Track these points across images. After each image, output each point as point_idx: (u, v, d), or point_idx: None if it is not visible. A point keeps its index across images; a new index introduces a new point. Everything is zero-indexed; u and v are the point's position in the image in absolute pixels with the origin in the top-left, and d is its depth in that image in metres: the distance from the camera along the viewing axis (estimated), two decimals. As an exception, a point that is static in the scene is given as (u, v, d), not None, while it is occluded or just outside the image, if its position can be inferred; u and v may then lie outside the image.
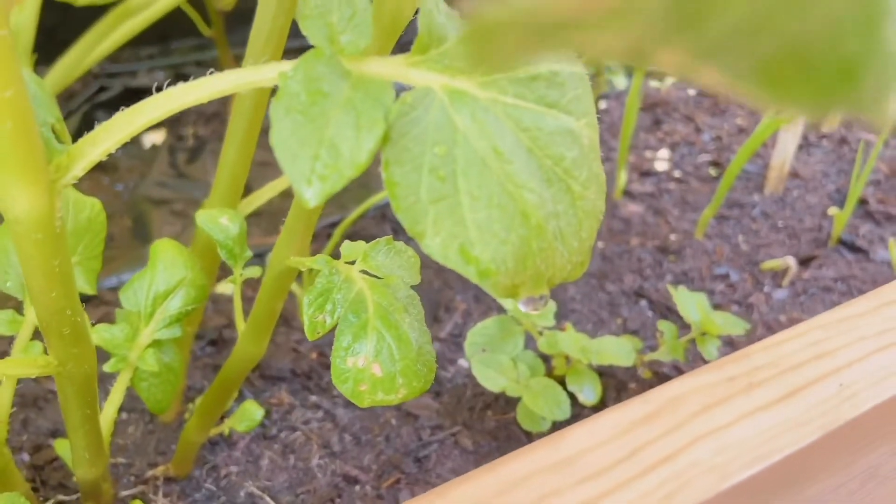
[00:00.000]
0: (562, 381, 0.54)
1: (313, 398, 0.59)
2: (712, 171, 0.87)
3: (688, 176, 0.86)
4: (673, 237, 0.76)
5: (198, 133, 0.93)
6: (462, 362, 0.63)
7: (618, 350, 0.53)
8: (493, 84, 0.25)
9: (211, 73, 0.25)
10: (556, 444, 0.25)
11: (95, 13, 0.80)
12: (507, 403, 0.58)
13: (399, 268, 0.35)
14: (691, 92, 1.01)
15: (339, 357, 0.31)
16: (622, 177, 0.81)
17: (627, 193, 0.83)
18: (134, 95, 1.05)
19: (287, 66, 0.24)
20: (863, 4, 0.08)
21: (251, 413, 0.51)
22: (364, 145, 0.23)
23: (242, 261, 0.44)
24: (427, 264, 0.73)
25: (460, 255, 0.23)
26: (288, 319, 0.65)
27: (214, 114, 0.96)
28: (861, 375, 0.28)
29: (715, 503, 0.24)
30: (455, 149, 0.24)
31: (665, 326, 0.55)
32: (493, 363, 0.53)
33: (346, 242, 0.36)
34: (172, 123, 0.92)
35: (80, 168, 0.26)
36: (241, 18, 1.03)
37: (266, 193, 0.50)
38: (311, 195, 0.22)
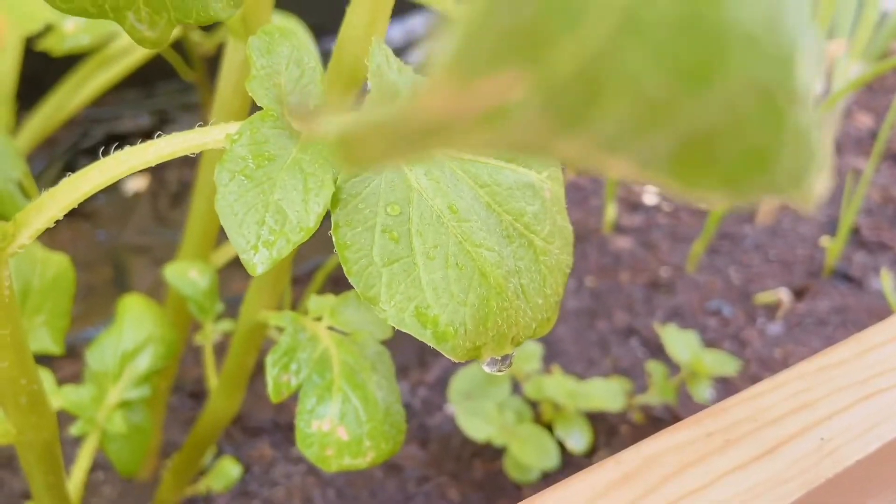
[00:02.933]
0: (550, 427, 0.52)
1: (295, 451, 0.57)
2: (703, 204, 0.86)
3: (677, 209, 0.86)
4: (663, 272, 0.75)
5: (182, 178, 0.92)
6: (449, 409, 0.61)
7: (607, 394, 0.52)
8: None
9: (200, 125, 0.25)
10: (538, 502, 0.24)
11: (78, 60, 0.80)
12: (495, 451, 0.56)
13: (369, 322, 0.34)
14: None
15: (304, 421, 0.30)
16: (611, 211, 0.81)
17: (617, 228, 0.82)
18: (117, 140, 1.05)
19: (234, 127, 0.23)
20: (764, 93, 0.07)
21: (228, 471, 0.49)
22: (312, 208, 0.22)
23: (213, 315, 0.43)
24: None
25: (416, 319, 0.22)
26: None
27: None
28: (843, 428, 0.27)
29: (693, 574, 0.23)
30: (409, 207, 0.23)
31: (654, 367, 0.54)
32: (478, 411, 0.52)
33: (314, 297, 0.35)
34: (156, 169, 0.92)
35: (27, 236, 0.25)
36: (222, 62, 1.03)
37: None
38: (258, 261, 0.22)
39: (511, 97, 0.07)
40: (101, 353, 0.40)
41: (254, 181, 0.22)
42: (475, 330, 0.23)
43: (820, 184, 0.09)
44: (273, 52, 0.24)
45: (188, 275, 0.42)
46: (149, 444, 0.42)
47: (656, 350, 0.66)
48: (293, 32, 0.24)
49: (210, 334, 0.43)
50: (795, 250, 0.79)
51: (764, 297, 0.71)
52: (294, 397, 0.61)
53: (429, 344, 0.23)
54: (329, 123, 0.07)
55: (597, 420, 0.56)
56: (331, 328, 0.33)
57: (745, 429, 0.27)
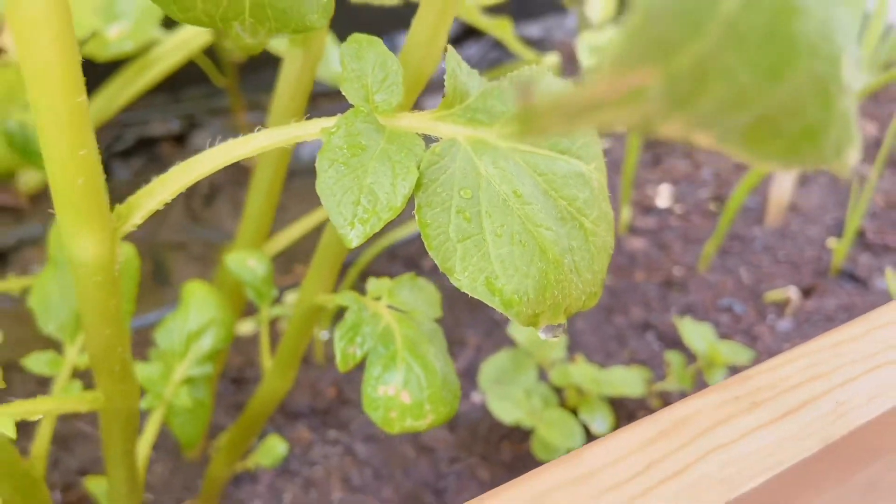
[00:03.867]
0: (574, 412, 0.55)
1: (332, 434, 0.61)
2: (713, 206, 0.90)
3: (689, 211, 0.89)
4: (677, 271, 0.79)
5: (213, 181, 0.96)
6: (476, 396, 0.65)
7: (628, 380, 0.55)
8: (512, 134, 0.27)
9: (259, 129, 0.28)
10: (576, 460, 0.27)
11: (110, 67, 0.84)
12: (521, 435, 0.60)
13: (422, 303, 0.37)
14: (689, 130, 1.04)
15: (371, 386, 0.33)
16: (625, 213, 0.84)
17: (631, 229, 0.86)
18: (148, 144, 1.08)
19: (329, 122, 0.26)
20: (820, 84, 0.10)
21: (275, 448, 0.53)
22: (399, 191, 0.25)
23: (269, 300, 0.46)
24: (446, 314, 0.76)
25: (486, 288, 0.26)
26: (306, 357, 0.67)
27: (229, 160, 0.99)
28: (854, 394, 0.30)
29: (726, 512, 0.26)
30: (479, 192, 0.26)
31: (672, 357, 0.57)
32: (507, 396, 0.55)
33: (372, 279, 0.39)
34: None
35: (139, 217, 0.29)
36: (251, 68, 1.07)
37: (288, 236, 0.52)
38: (354, 236, 0.25)
39: (646, 85, 0.10)
40: (169, 334, 0.44)
41: (349, 168, 0.26)
42: (535, 299, 0.27)
43: (853, 155, 0.12)
44: (361, 58, 0.27)
45: (247, 263, 0.45)
46: (208, 418, 0.46)
47: (671, 343, 0.69)
48: (378, 41, 0.28)
49: (266, 318, 0.46)
50: (803, 251, 0.82)
51: (773, 295, 0.75)
52: (327, 384, 0.64)
53: (497, 309, 0.26)
54: (527, 101, 0.11)
55: (618, 405, 0.59)
56: (390, 307, 0.37)
57: (767, 394, 0.30)
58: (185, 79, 1.10)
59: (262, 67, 1.16)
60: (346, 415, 0.62)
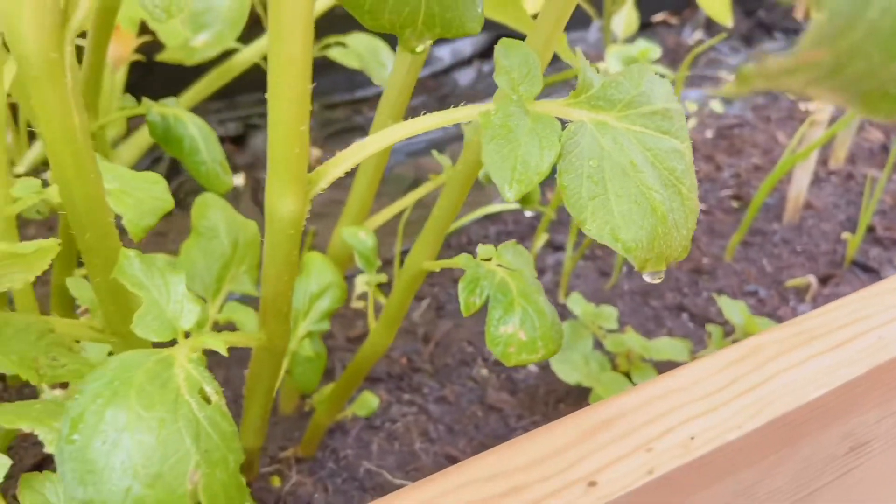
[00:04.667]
0: (627, 375, 0.63)
1: (406, 396, 0.68)
2: (734, 204, 0.97)
3: (712, 208, 0.97)
4: (705, 260, 0.86)
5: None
6: (531, 367, 0.72)
7: (674, 348, 0.62)
8: (626, 117, 0.35)
9: (424, 113, 0.35)
10: (677, 374, 0.34)
11: (176, 71, 0.91)
12: (576, 398, 0.67)
13: (523, 264, 0.45)
14: (709, 134, 1.12)
15: (493, 326, 0.40)
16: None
17: (661, 223, 0.93)
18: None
19: (488, 107, 0.34)
20: None
21: (369, 401, 0.60)
22: (546, 159, 0.33)
23: (375, 267, 0.54)
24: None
25: (611, 236, 0.33)
26: (355, 342, 0.74)
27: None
28: (893, 330, 0.37)
29: (794, 414, 0.34)
30: (603, 162, 0.34)
31: (712, 328, 0.64)
32: (567, 360, 0.62)
33: (480, 245, 0.46)
34: (249, 169, 1.03)
35: (325, 183, 0.36)
36: (316, 71, 1.15)
37: (386, 215, 0.60)
38: (511, 194, 0.32)
39: (820, 59, 0.17)
40: (295, 295, 0.51)
41: (506, 141, 0.33)
42: (647, 247, 0.34)
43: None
44: (509, 57, 0.35)
45: (359, 235, 0.52)
46: (323, 368, 0.53)
47: (704, 323, 0.76)
48: (522, 44, 0.35)
49: (374, 282, 0.53)
50: (819, 245, 0.90)
51: (794, 282, 0.82)
52: (399, 354, 0.71)
53: (620, 253, 0.33)
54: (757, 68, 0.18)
55: (664, 369, 0.67)
56: (499, 266, 0.44)
57: (821, 331, 0.38)
58: (239, 86, 1.18)
59: (317, 74, 1.24)
60: (417, 380, 0.69)
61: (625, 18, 1.26)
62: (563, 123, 0.35)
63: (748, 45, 1.48)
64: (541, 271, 0.84)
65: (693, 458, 0.30)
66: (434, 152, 0.62)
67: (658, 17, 1.57)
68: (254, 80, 1.02)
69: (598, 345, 0.67)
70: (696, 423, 0.32)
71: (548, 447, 0.31)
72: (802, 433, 0.35)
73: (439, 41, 1.47)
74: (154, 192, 0.45)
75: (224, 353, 0.36)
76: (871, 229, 0.91)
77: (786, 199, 0.94)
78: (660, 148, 0.35)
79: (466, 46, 1.44)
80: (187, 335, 0.36)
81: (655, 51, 0.98)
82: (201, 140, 0.54)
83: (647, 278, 0.36)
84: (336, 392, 0.56)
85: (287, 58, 0.31)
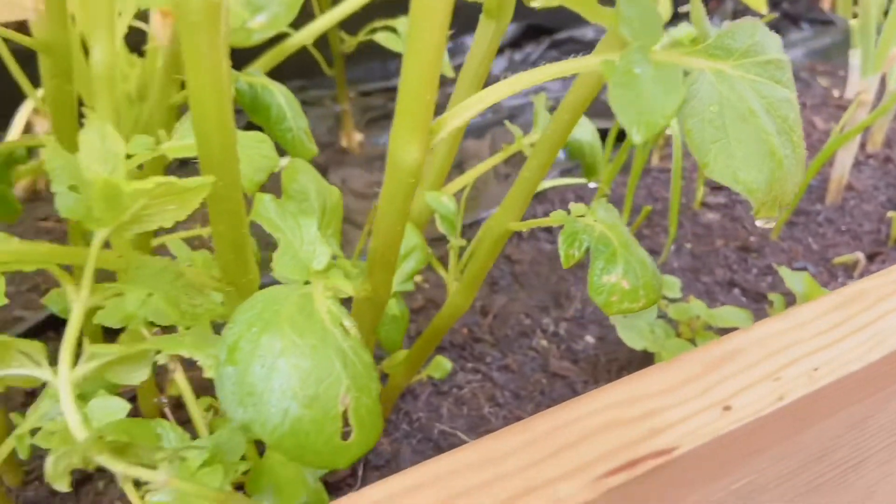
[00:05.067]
0: (692, 341, 0.64)
1: (470, 364, 0.69)
2: None
3: (754, 190, 0.98)
4: (752, 239, 0.88)
5: (318, 161, 1.05)
6: (589, 338, 0.73)
7: (736, 316, 0.64)
8: (741, 66, 0.36)
9: (540, 63, 0.37)
10: (787, 315, 0.36)
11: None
12: (636, 366, 0.68)
13: (615, 218, 0.46)
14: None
15: (596, 276, 0.42)
16: (701, 190, 0.93)
17: (704, 204, 0.95)
18: (256, 127, 1.17)
19: (612, 56, 0.35)
20: None
21: (443, 364, 0.61)
22: (670, 104, 0.34)
23: (457, 230, 0.55)
24: (542, 262, 0.84)
25: (732, 178, 0.35)
26: (438, 305, 0.76)
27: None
28: None
29: (906, 351, 0.35)
30: (723, 108, 0.35)
31: (775, 297, 0.66)
32: (634, 328, 0.64)
33: (572, 203, 0.47)
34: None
35: (445, 132, 0.38)
36: (353, 59, 1.16)
37: (458, 184, 0.61)
38: (638, 137, 0.34)
39: None
40: (384, 253, 0.52)
41: (631, 87, 0.34)
42: (766, 190, 0.35)
43: None
44: (631, 7, 0.36)
45: (441, 200, 0.54)
46: (406, 327, 0.54)
47: (758, 297, 0.78)
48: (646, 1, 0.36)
49: (456, 246, 0.55)
50: (862, 224, 0.91)
51: (841, 259, 0.83)
52: (460, 324, 0.73)
53: (741, 194, 0.35)
54: None
55: (727, 339, 0.68)
56: (594, 221, 0.45)
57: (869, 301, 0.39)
58: (288, 71, 1.19)
59: (362, 61, 1.26)
60: (480, 350, 0.71)
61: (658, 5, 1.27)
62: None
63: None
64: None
65: (817, 387, 0.32)
66: (507, 122, 0.63)
67: (685, 7, 1.59)
68: (296, 66, 1.03)
69: (661, 315, 0.68)
70: (817, 356, 0.33)
71: (680, 376, 0.32)
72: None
73: (473, 29, 1.47)
74: (262, 151, 0.46)
75: (352, 293, 0.38)
76: (912, 210, 0.93)
77: (828, 180, 0.95)
78: (774, 96, 0.37)
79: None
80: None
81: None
82: (287, 108, 0.56)
83: (759, 223, 0.37)
84: (414, 354, 0.58)
85: (428, 24, 0.32)
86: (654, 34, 0.36)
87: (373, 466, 0.58)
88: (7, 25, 0.51)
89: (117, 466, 0.30)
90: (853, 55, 1.04)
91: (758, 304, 0.76)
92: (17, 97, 0.98)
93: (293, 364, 0.31)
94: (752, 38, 0.37)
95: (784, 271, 0.66)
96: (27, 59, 0.95)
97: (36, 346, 0.32)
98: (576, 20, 1.47)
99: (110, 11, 0.44)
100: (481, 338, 0.72)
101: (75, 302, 0.32)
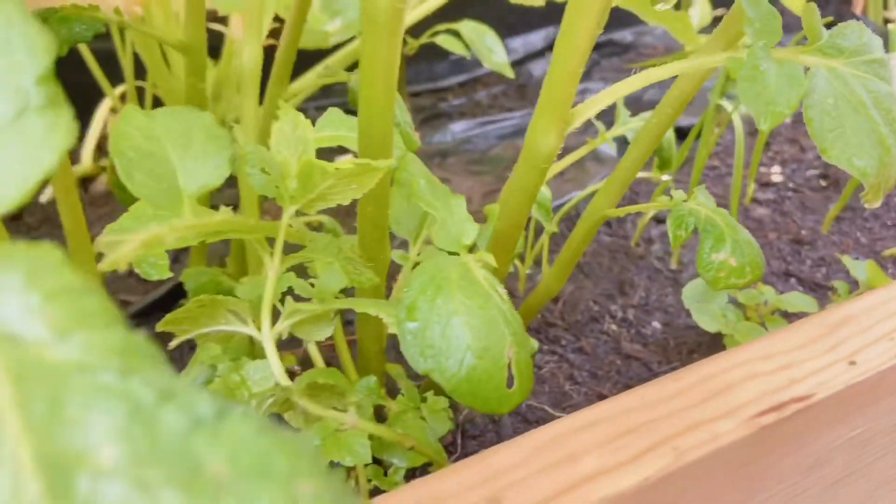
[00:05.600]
0: (761, 325, 0.68)
1: (546, 347, 0.73)
2: (822, 182, 1.03)
3: (800, 186, 1.02)
4: (803, 232, 0.92)
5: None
6: (655, 324, 0.77)
7: (805, 301, 0.68)
8: (851, 64, 0.41)
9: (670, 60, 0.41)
10: (879, 291, 0.40)
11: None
12: (708, 349, 0.72)
13: (710, 203, 0.50)
14: (787, 120, 1.18)
15: (705, 254, 0.46)
16: (752, 186, 0.97)
17: (755, 200, 0.99)
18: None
19: (736, 53, 0.39)
20: None
21: (531, 343, 0.65)
22: (794, 96, 0.38)
23: (550, 216, 0.59)
24: (603, 254, 0.88)
25: (848, 163, 0.39)
26: (511, 292, 0.80)
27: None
28: None
29: None
30: (838, 101, 0.39)
31: (839, 284, 0.70)
32: (707, 312, 0.68)
33: (673, 190, 0.51)
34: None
35: (579, 122, 0.42)
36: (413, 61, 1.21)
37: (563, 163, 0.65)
38: (764, 125, 0.38)
39: None
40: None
41: (758, 81, 0.38)
42: (875, 174, 0.39)
43: None
44: (754, 9, 0.40)
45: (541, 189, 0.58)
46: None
47: (814, 287, 0.82)
48: (764, 0, 0.41)
49: (549, 231, 0.59)
50: (908, 220, 0.95)
51: (890, 252, 0.87)
52: (535, 310, 0.76)
53: (854, 175, 0.39)
54: None
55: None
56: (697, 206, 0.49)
57: None
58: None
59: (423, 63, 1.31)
60: (554, 334, 0.75)
61: (699, 11, 1.31)
62: (798, 68, 0.40)
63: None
64: (648, 241, 0.90)
65: (927, 347, 0.36)
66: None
67: (719, 11, 1.63)
68: (354, 67, 1.08)
69: (731, 300, 0.72)
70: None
71: (806, 336, 0.36)
72: None
73: (513, 34, 1.51)
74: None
75: (494, 265, 0.42)
76: (954, 207, 0.96)
77: (872, 178, 0.99)
78: (879, 91, 0.41)
79: (538, 40, 1.49)
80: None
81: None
82: (396, 105, 0.60)
83: (867, 205, 0.41)
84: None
85: (582, 13, 0.36)
86: (775, 34, 0.40)
87: (469, 436, 0.62)
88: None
89: (314, 409, 0.34)
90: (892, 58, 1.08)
91: (815, 293, 0.80)
92: (90, 96, 1.03)
93: (465, 321, 0.36)
94: (860, 38, 0.41)
95: (847, 260, 0.69)
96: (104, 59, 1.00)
97: (242, 305, 0.37)
98: (614, 24, 1.51)
99: (260, 15, 0.48)
100: (554, 323, 0.76)
101: (271, 269, 0.36)
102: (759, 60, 0.39)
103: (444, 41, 1.07)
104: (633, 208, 0.53)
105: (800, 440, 0.33)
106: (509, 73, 1.01)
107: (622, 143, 0.69)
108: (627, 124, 0.64)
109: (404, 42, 1.08)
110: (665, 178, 0.79)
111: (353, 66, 1.03)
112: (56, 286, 0.18)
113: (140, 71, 1.01)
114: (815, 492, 0.37)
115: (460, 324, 0.36)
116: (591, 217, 0.56)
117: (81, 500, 0.15)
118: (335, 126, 0.48)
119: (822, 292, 0.80)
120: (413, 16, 0.92)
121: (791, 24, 0.56)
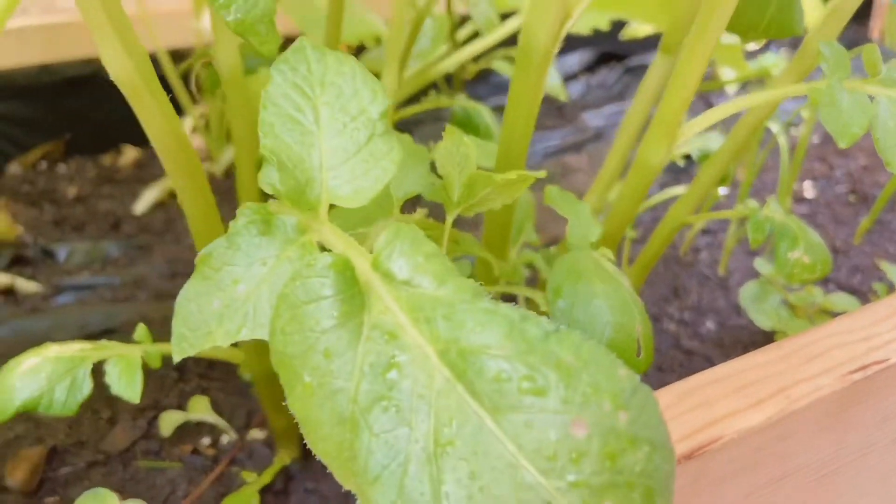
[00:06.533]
0: (809, 322, 0.76)
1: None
2: (851, 198, 1.11)
3: (831, 202, 1.11)
4: (837, 243, 1.00)
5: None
6: (709, 324, 0.86)
7: (849, 302, 0.76)
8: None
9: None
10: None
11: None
12: (760, 345, 0.80)
13: (784, 210, 0.59)
14: (815, 140, 1.26)
15: (783, 253, 0.54)
16: (787, 201, 1.06)
17: (791, 213, 1.07)
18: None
19: (816, 85, 0.48)
20: None
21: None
22: (864, 120, 0.47)
23: (632, 223, 0.68)
24: (657, 263, 0.97)
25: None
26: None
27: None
28: None
29: None
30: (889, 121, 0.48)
31: (878, 286, 0.78)
32: (762, 311, 0.76)
33: (748, 200, 0.60)
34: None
35: (683, 140, 0.50)
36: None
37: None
38: (843, 143, 0.46)
39: None
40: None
41: (834, 107, 0.47)
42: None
43: None
44: (828, 49, 0.49)
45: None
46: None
47: (852, 291, 0.90)
48: (835, 43, 0.49)
49: (628, 239, 0.67)
50: (932, 232, 1.03)
51: (919, 261, 0.96)
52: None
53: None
54: None
55: (837, 322, 0.80)
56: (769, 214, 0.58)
57: None
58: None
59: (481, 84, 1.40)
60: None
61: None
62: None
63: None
64: (696, 251, 0.98)
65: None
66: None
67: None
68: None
69: (782, 301, 0.81)
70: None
71: (878, 315, 0.45)
72: None
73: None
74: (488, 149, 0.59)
75: (614, 259, 0.50)
76: (975, 220, 1.05)
77: None
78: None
79: (574, 63, 1.59)
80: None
81: (782, 62, 1.13)
82: (494, 127, 0.69)
83: (921, 209, 0.49)
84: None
85: (695, 53, 0.45)
86: (845, 69, 0.49)
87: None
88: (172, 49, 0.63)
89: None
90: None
91: (853, 296, 0.89)
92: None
93: (605, 302, 0.44)
94: (914, 72, 0.50)
95: (886, 266, 0.78)
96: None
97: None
98: (645, 48, 1.60)
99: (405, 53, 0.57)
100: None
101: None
102: (835, 91, 0.48)
103: (499, 66, 1.15)
104: (715, 215, 0.61)
105: (879, 395, 0.41)
106: (563, 96, 1.10)
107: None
108: (692, 143, 0.72)
109: (463, 66, 1.17)
110: (722, 191, 0.88)
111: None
112: (428, 251, 0.26)
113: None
114: (884, 443, 0.45)
115: (601, 304, 0.44)
116: (672, 223, 0.64)
117: (479, 376, 0.24)
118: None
119: (859, 295, 0.89)
120: (479, 46, 1.01)
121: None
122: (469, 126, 0.69)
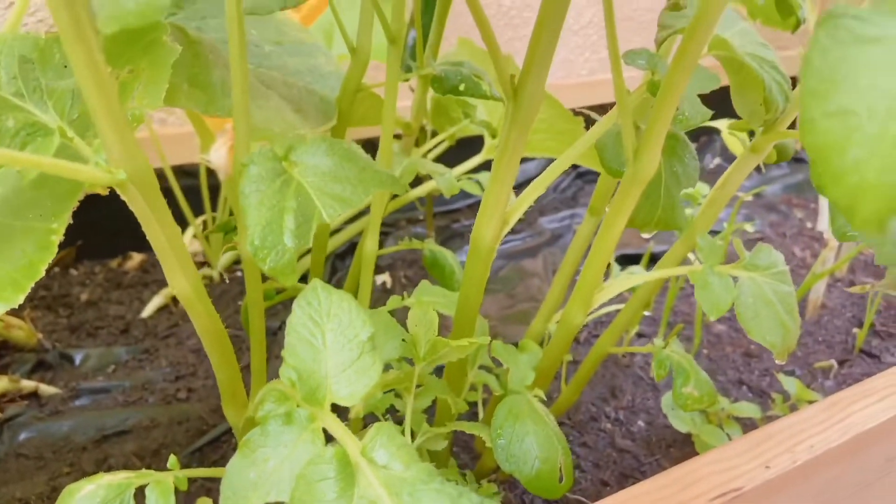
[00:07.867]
0: (720, 426, 0.91)
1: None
2: (768, 304, 1.28)
3: (751, 307, 1.27)
4: (752, 346, 1.16)
5: (406, 275, 1.33)
6: (640, 423, 1.00)
7: (751, 408, 0.91)
8: (764, 275, 0.65)
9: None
10: (799, 413, 0.63)
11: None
12: (681, 444, 0.95)
13: (682, 350, 0.74)
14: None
15: (678, 388, 0.69)
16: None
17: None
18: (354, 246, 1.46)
19: (696, 267, 0.64)
20: None
21: (551, 441, 0.88)
22: (729, 298, 0.63)
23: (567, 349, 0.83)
24: (599, 367, 1.12)
25: (762, 339, 0.63)
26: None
27: (413, 260, 1.37)
28: (908, 392, 0.66)
29: (867, 433, 0.62)
30: (755, 300, 0.64)
31: (776, 396, 0.94)
32: (679, 416, 0.91)
33: (657, 339, 0.75)
34: (390, 268, 1.32)
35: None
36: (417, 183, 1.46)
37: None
38: (712, 317, 0.62)
39: None
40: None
41: (706, 288, 0.63)
42: (780, 346, 0.63)
43: None
44: (704, 240, 0.65)
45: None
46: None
47: (760, 393, 1.05)
48: (711, 237, 0.65)
49: (566, 360, 0.82)
50: (834, 336, 1.20)
51: (820, 364, 1.12)
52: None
53: (767, 347, 0.63)
54: None
55: (745, 424, 0.95)
56: (673, 352, 0.73)
57: (870, 390, 0.67)
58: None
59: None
60: (564, 431, 0.97)
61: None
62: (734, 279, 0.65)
63: (758, 170, 1.82)
64: (632, 354, 1.14)
65: (809, 457, 0.59)
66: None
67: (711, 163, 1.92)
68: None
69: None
70: (813, 438, 0.60)
71: (740, 449, 0.60)
72: (871, 444, 0.64)
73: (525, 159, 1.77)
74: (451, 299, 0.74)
75: (544, 398, 0.65)
76: (872, 325, 1.22)
77: (807, 301, 1.24)
78: (782, 291, 0.65)
79: (532, 169, 1.75)
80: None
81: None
82: (456, 267, 0.84)
83: (778, 361, 0.65)
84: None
85: (612, 231, 0.61)
86: (717, 257, 0.65)
87: (508, 512, 0.83)
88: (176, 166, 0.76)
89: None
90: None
91: (761, 399, 1.04)
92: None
93: (535, 440, 0.58)
94: (769, 258, 0.66)
95: (782, 377, 0.94)
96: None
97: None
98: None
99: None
100: (563, 422, 0.99)
101: (409, 404, 0.59)
102: (707, 276, 0.63)
103: (468, 186, 1.31)
104: (633, 349, 0.76)
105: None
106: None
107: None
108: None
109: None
110: (646, 313, 1.03)
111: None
112: (400, 443, 0.40)
113: (214, 204, 1.25)
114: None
115: (532, 441, 0.58)
116: (598, 353, 0.79)
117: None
118: (429, 294, 0.71)
119: (765, 398, 1.04)
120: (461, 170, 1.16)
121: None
122: (436, 266, 0.84)
